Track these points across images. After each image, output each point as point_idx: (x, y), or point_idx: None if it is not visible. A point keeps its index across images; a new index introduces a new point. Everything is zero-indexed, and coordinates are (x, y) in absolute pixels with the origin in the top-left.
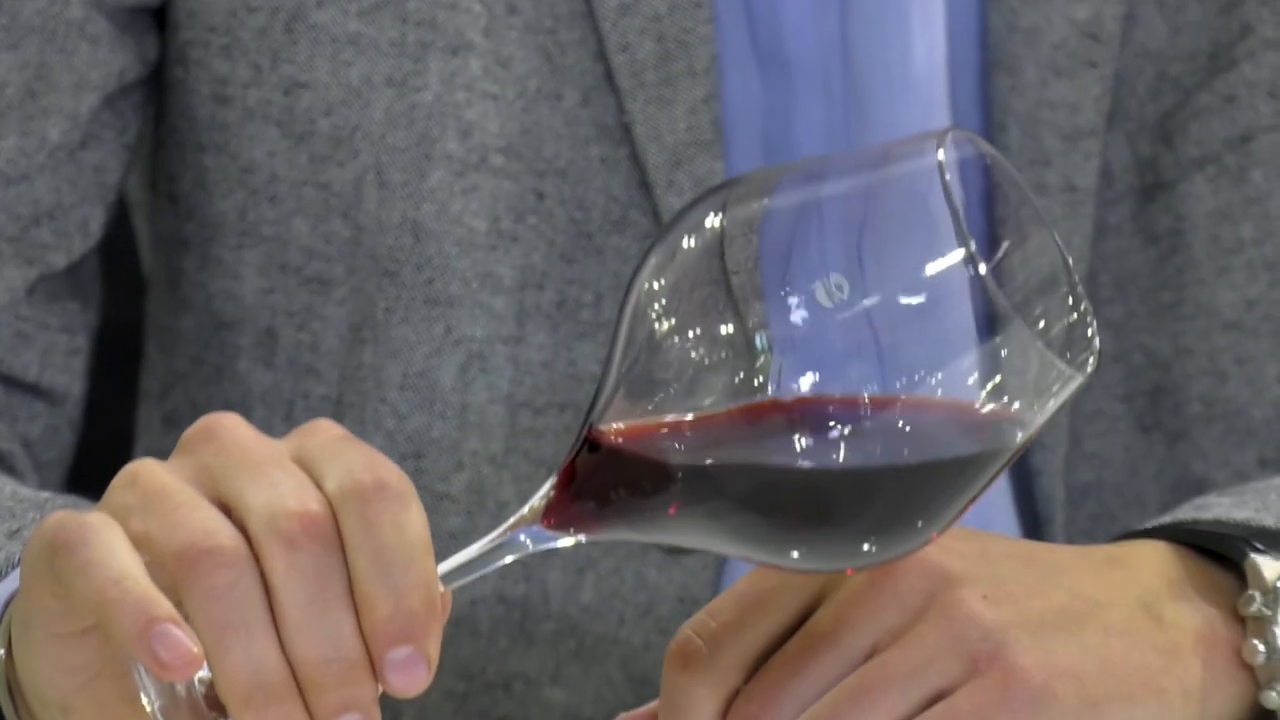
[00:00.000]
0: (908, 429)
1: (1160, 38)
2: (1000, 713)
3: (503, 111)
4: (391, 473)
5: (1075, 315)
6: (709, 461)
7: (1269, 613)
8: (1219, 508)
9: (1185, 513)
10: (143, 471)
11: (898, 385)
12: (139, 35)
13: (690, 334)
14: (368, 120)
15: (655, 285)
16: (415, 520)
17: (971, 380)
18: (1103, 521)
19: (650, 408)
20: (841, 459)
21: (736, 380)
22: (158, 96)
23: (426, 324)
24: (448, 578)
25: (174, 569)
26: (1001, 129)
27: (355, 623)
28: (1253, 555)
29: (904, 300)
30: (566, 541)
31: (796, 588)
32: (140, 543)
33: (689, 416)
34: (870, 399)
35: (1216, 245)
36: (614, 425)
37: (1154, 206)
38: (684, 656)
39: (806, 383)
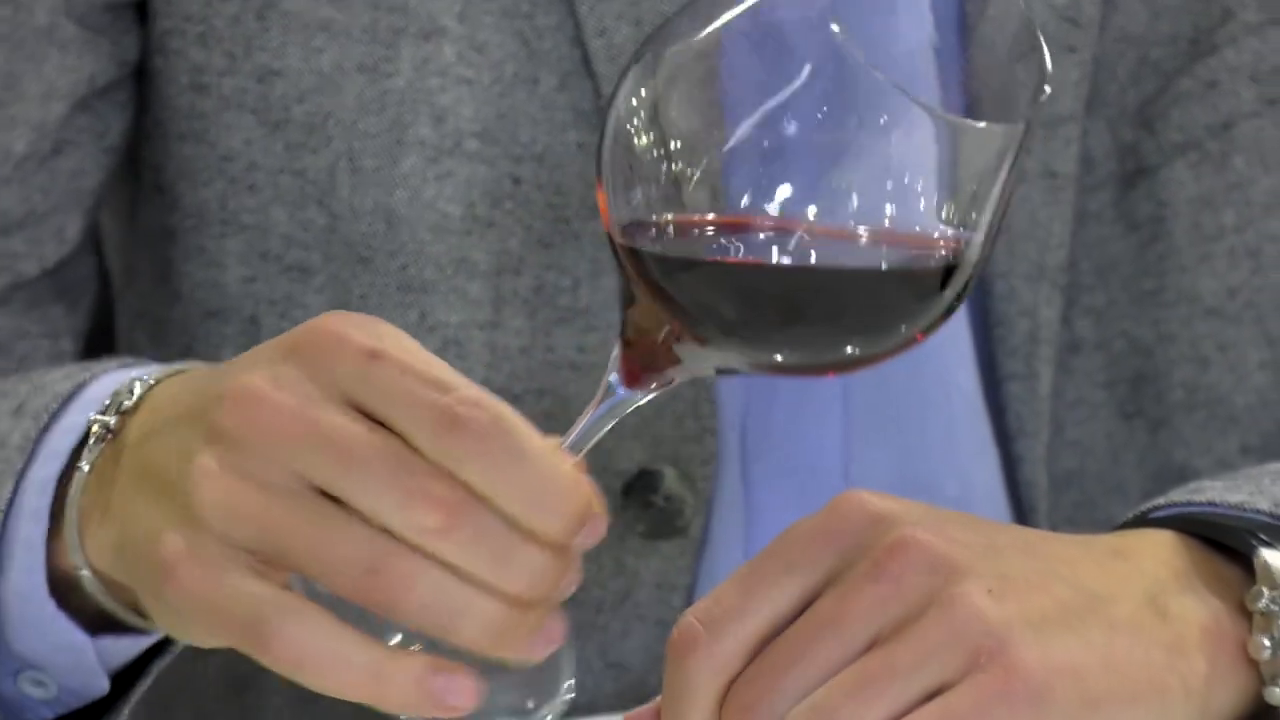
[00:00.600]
0: (884, 238)
1: (1140, 22)
2: (999, 710)
3: (478, 96)
4: (468, 404)
5: (1041, 68)
6: (725, 267)
7: (1277, 609)
8: (1212, 490)
9: (1178, 495)
10: (250, 509)
11: (867, 197)
12: (117, 35)
13: (677, 145)
14: (340, 107)
15: (637, 100)
16: (518, 437)
17: (925, 179)
18: (1085, 509)
19: (651, 230)
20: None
21: (723, 189)
22: (141, 88)
23: (401, 310)
24: (575, 447)
25: (357, 597)
26: None
27: (534, 545)
28: (1262, 550)
29: (853, 115)
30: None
31: (800, 574)
32: (283, 562)
33: (689, 233)
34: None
35: (1198, 232)
36: (634, 259)
37: (1135, 193)
38: (685, 642)
39: (785, 193)
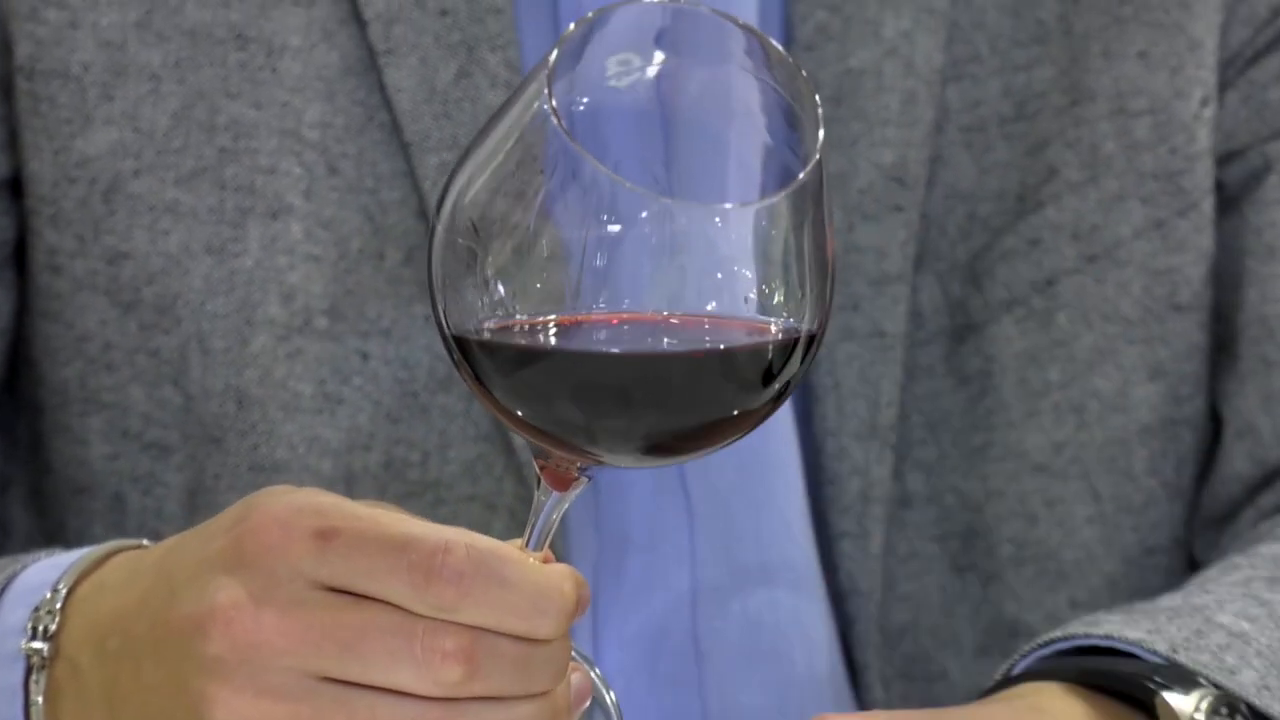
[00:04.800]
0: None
1: (969, 178)
2: None
3: (325, 273)
4: (434, 553)
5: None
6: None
7: None
8: (1110, 624)
9: (1076, 627)
10: None
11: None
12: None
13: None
14: (187, 288)
15: (471, 196)
16: (493, 563)
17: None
18: (919, 663)
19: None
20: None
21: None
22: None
23: (252, 490)
24: (537, 546)
25: None
26: None
27: (543, 645)
28: (1163, 694)
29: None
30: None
31: None
32: None
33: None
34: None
35: (1024, 388)
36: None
37: (964, 348)
38: None
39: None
